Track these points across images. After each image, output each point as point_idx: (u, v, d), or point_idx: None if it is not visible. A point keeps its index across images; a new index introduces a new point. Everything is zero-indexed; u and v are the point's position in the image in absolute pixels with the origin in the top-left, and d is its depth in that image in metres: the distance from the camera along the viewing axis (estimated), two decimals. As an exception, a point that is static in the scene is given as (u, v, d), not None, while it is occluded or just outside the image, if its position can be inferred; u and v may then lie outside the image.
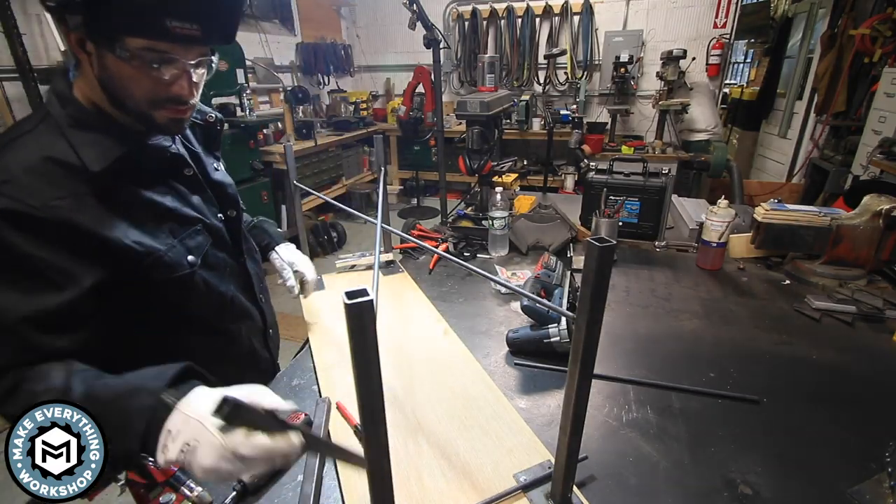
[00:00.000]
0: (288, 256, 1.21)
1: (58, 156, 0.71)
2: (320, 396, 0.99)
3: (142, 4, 0.65)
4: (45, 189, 0.68)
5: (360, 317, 0.43)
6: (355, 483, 0.77)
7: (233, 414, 0.53)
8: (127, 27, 0.67)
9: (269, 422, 0.58)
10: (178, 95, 0.76)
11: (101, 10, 0.65)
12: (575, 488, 0.73)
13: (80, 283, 0.71)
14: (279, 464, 0.61)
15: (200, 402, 0.63)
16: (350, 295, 0.43)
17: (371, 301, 0.43)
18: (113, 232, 0.73)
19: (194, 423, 0.61)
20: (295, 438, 0.59)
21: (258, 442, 0.58)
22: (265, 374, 1.14)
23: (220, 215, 0.95)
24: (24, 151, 0.70)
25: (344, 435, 0.88)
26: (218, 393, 0.64)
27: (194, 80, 0.77)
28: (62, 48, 2.88)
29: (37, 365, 0.68)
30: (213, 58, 0.79)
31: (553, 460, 0.75)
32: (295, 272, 1.19)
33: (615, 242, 0.52)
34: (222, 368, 0.85)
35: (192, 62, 0.74)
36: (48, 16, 2.79)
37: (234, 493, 0.75)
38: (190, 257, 0.84)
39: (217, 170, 0.98)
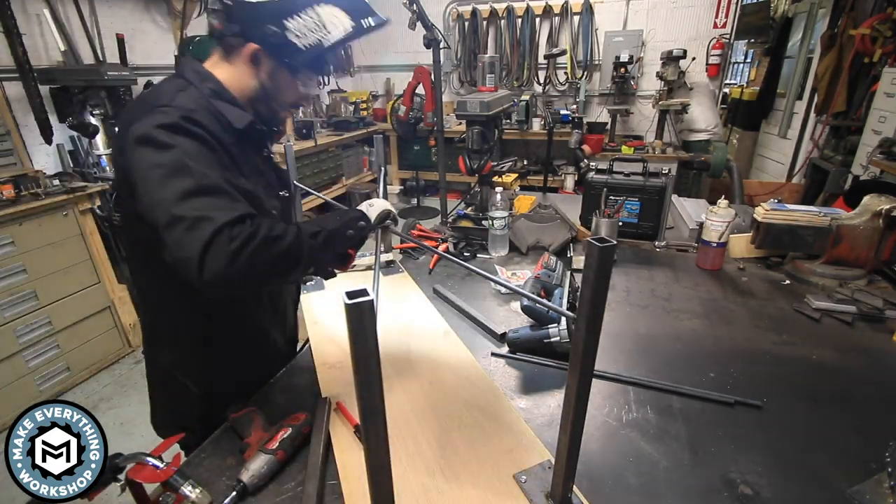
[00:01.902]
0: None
1: (210, 110, 0.89)
2: (320, 396, 0.99)
3: (324, 58, 0.97)
4: (215, 125, 0.86)
5: (360, 317, 0.43)
6: (355, 483, 0.77)
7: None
8: (315, 68, 1.01)
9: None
10: (306, 105, 1.06)
11: (302, 56, 0.92)
12: (575, 488, 0.73)
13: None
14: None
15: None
16: (350, 295, 0.43)
17: (371, 301, 0.43)
18: (241, 169, 0.92)
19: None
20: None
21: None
22: (282, 349, 1.25)
23: (281, 192, 1.12)
24: (193, 102, 0.87)
25: (344, 435, 0.88)
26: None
27: None
28: (62, 48, 2.88)
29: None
30: None
31: (553, 460, 0.75)
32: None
33: (615, 242, 0.52)
34: (251, 327, 1.11)
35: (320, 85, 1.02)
36: (48, 16, 2.80)
37: (235, 493, 0.75)
38: (274, 211, 1.01)
39: (273, 157, 1.15)
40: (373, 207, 0.98)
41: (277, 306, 1.20)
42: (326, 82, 1.15)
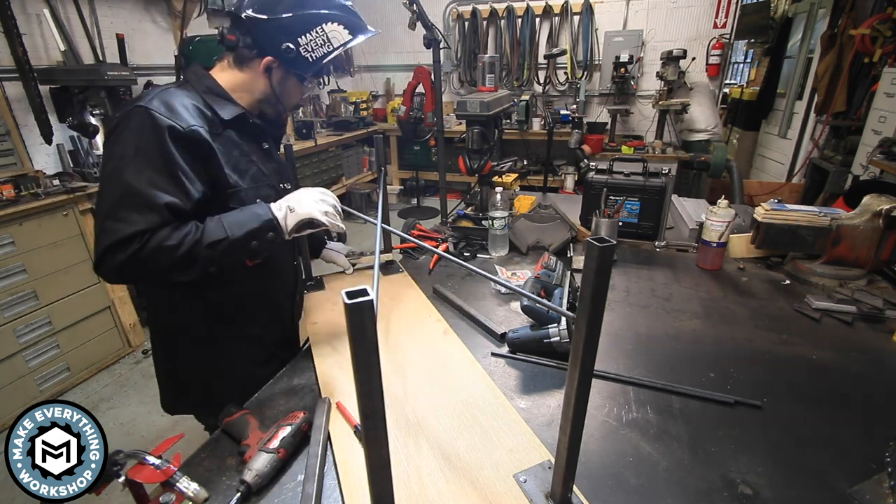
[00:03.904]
0: (336, 247, 1.58)
1: (199, 105, 1.01)
2: (320, 396, 0.99)
3: (325, 65, 1.08)
4: (191, 119, 0.96)
5: (360, 317, 0.43)
6: (355, 483, 0.77)
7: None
8: (318, 73, 1.11)
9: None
10: (306, 104, 1.35)
11: (310, 68, 1.07)
12: (575, 488, 0.73)
13: (193, 192, 0.96)
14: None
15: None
16: (350, 295, 0.43)
17: (371, 301, 0.43)
18: (221, 158, 1.01)
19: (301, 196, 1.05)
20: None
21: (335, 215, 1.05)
22: (289, 323, 1.34)
23: (280, 185, 1.19)
24: (180, 97, 0.98)
25: (344, 435, 0.88)
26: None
27: None
28: (62, 48, 2.88)
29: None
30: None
31: (553, 460, 0.75)
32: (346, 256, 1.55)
33: (615, 242, 0.52)
34: (264, 302, 1.21)
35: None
36: (48, 16, 2.80)
37: (239, 493, 0.75)
38: (258, 201, 1.06)
39: (278, 152, 1.25)
40: (293, 213, 1.01)
41: (273, 301, 1.26)
42: (326, 83, 1.39)
